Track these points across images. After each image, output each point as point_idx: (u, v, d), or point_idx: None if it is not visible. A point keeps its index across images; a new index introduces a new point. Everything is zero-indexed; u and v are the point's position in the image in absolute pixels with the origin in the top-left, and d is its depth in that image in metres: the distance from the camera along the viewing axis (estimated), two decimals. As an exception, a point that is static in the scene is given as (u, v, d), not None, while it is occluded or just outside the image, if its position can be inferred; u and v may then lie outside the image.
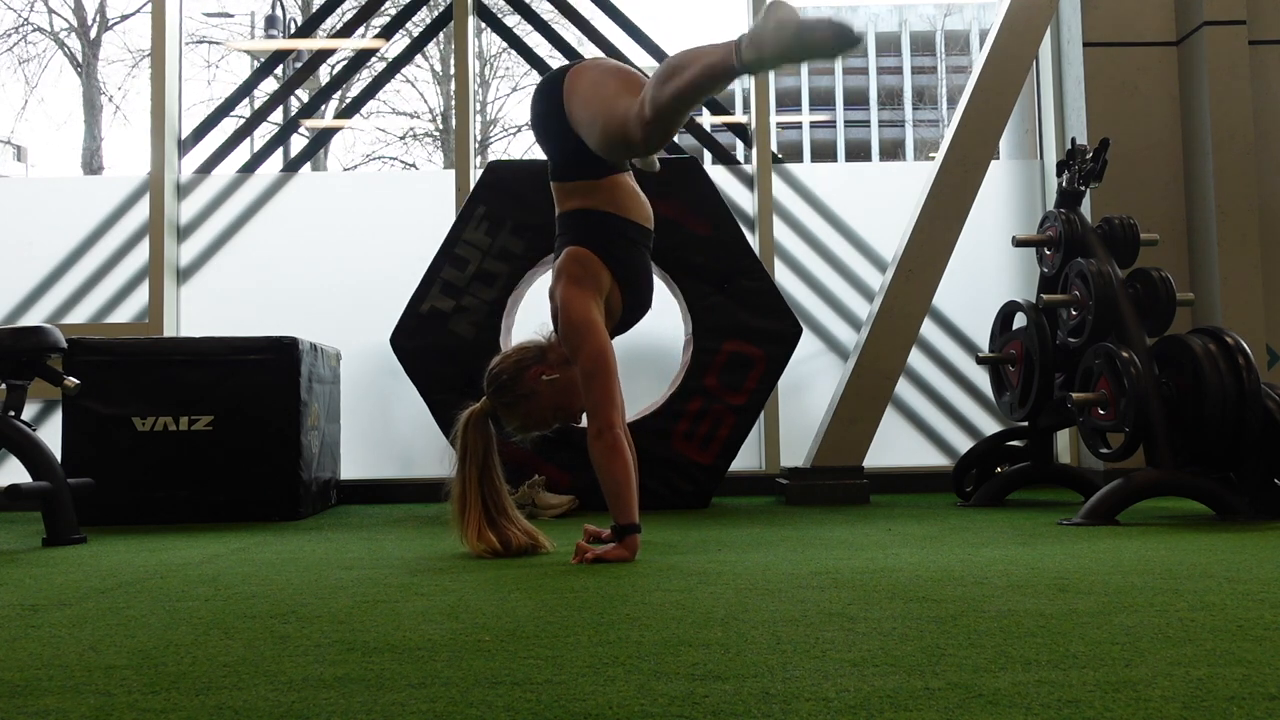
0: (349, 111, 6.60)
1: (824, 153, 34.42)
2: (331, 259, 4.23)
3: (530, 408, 2.20)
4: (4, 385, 2.69)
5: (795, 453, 3.99)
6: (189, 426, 3.18)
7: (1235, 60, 3.96)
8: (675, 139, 4.71)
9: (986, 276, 4.27)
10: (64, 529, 2.59)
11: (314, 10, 4.67)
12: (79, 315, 4.15)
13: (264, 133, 4.83)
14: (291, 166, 4.96)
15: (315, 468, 3.41)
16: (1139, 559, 1.97)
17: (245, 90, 4.57)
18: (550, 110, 2.21)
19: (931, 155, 4.51)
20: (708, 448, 3.42)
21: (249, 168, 4.30)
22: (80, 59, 12.34)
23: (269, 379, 3.22)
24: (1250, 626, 1.31)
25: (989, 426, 4.16)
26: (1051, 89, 4.31)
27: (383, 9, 4.60)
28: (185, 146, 4.26)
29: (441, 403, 3.43)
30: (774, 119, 4.38)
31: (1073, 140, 3.44)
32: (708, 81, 1.87)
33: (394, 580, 1.85)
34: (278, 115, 5.87)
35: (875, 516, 3.01)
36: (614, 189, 2.26)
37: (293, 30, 10.86)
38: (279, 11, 11.70)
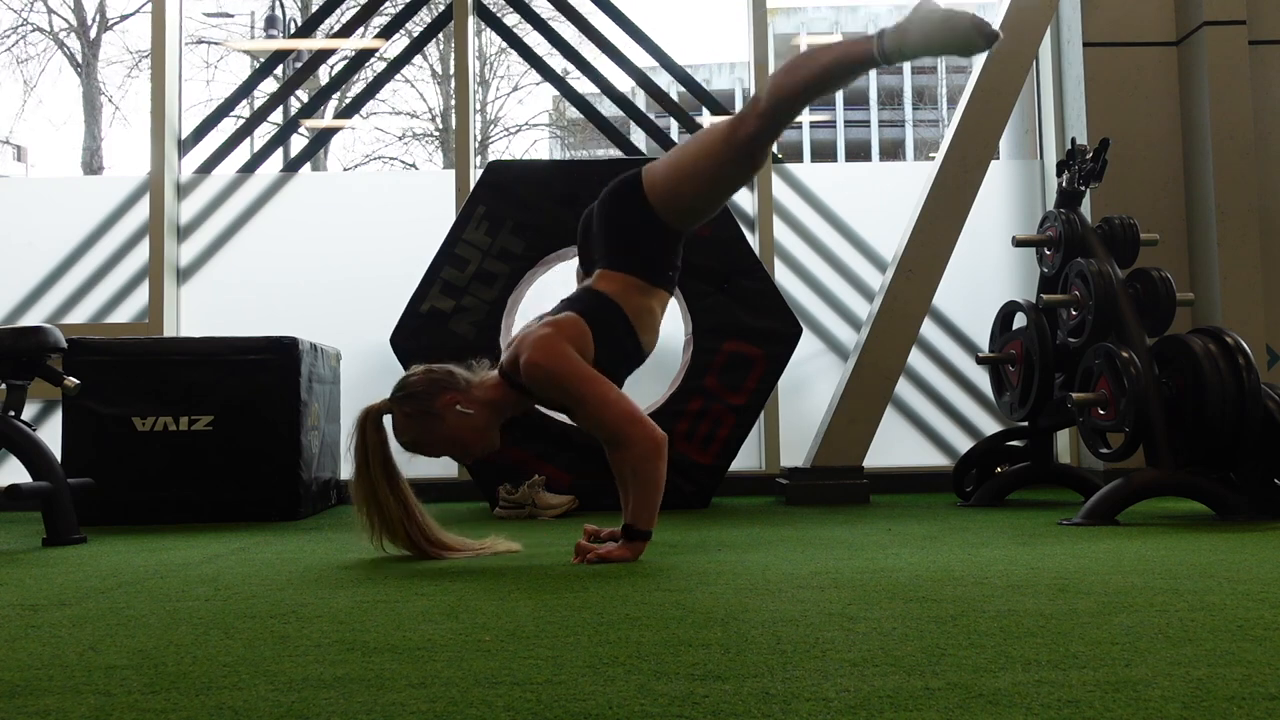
0: (349, 111, 6.61)
1: (824, 153, 34.41)
2: (331, 259, 4.23)
3: (429, 428, 2.10)
4: (4, 385, 2.69)
5: (795, 453, 3.99)
6: (189, 426, 3.18)
7: (1235, 60, 3.96)
8: (675, 139, 4.72)
9: (986, 276, 4.27)
10: (64, 529, 2.59)
11: (314, 10, 4.67)
12: (79, 315, 4.15)
13: (264, 133, 4.83)
14: (291, 166, 4.96)
15: (315, 468, 3.41)
16: (1139, 559, 1.97)
17: (245, 90, 4.57)
18: (627, 204, 2.18)
19: (931, 155, 4.51)
20: (708, 448, 3.42)
21: (249, 168, 4.30)
22: (80, 59, 12.34)
23: (269, 379, 3.22)
24: (1250, 626, 1.31)
25: (989, 426, 4.16)
26: (1051, 89, 4.31)
27: (382, 9, 4.60)
28: (185, 146, 4.26)
29: (441, 403, 3.43)
30: (774, 119, 4.34)
31: (1073, 140, 3.44)
32: (843, 70, 1.91)
33: (394, 580, 1.85)
34: (278, 115, 5.87)
35: (875, 516, 3.00)
36: (651, 306, 2.23)
37: (293, 30, 10.87)
38: (279, 11, 11.71)
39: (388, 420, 2.13)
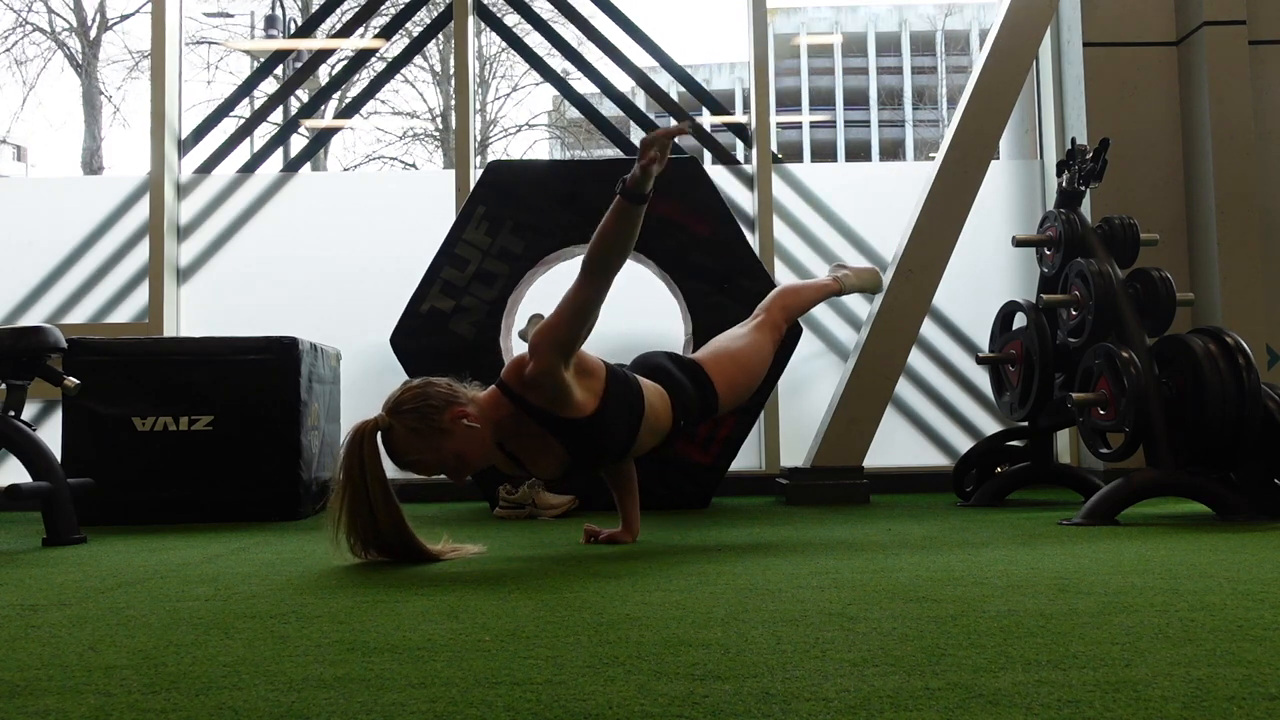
0: (349, 112, 6.61)
1: (824, 153, 34.43)
2: (332, 259, 4.23)
3: (436, 444, 2.03)
4: (4, 385, 2.69)
5: (795, 453, 3.99)
6: (189, 426, 3.18)
7: (1235, 60, 3.96)
8: (675, 139, 4.71)
9: (986, 276, 4.27)
10: (64, 529, 2.59)
11: (314, 10, 4.67)
12: (79, 315, 4.15)
13: (264, 133, 4.83)
14: (291, 166, 4.96)
15: (315, 468, 3.41)
16: (1139, 559, 1.97)
17: (245, 90, 4.57)
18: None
19: (931, 155, 4.51)
20: (708, 448, 3.42)
21: (249, 168, 4.30)
22: (80, 59, 12.34)
23: (269, 379, 3.22)
24: (1250, 626, 1.31)
25: (989, 426, 4.16)
26: (1051, 89, 4.31)
27: (382, 9, 4.60)
28: (185, 146, 4.26)
29: (441, 403, 3.43)
30: (774, 119, 4.38)
31: (1073, 140, 3.44)
32: (821, 299, 2.78)
33: (394, 580, 1.85)
34: (277, 115, 5.87)
35: (875, 516, 3.00)
36: (657, 426, 2.30)
37: (293, 30, 10.86)
38: (279, 11, 11.71)
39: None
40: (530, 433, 2.13)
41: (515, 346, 3.70)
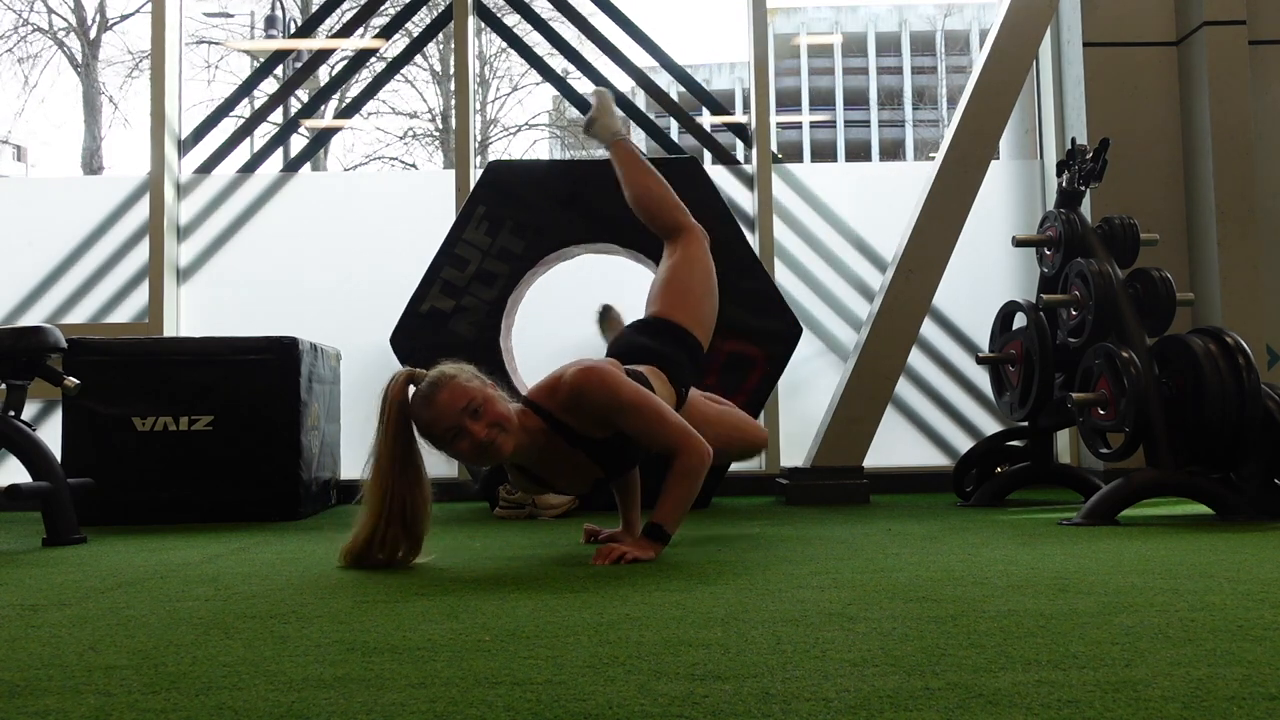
0: (349, 112, 6.61)
1: (824, 153, 34.41)
2: (331, 259, 4.23)
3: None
4: (4, 385, 2.69)
5: (795, 453, 3.99)
6: (189, 426, 3.18)
7: (1235, 60, 3.96)
8: (675, 139, 4.72)
9: (986, 276, 4.27)
10: (64, 529, 2.59)
11: (314, 10, 4.67)
12: (79, 315, 4.15)
13: (264, 133, 4.83)
14: (291, 167, 4.96)
15: (315, 468, 3.41)
16: (1139, 559, 1.97)
17: (245, 90, 4.57)
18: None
19: (931, 155, 4.51)
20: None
21: (249, 168, 4.30)
22: (80, 59, 12.34)
23: (269, 379, 3.22)
24: (1250, 626, 1.31)
25: (989, 426, 4.16)
26: (1051, 89, 4.31)
27: (382, 9, 4.60)
28: (185, 146, 4.26)
29: (441, 403, 3.43)
30: (774, 119, 4.38)
31: (1073, 140, 3.44)
32: (646, 162, 2.79)
33: (394, 580, 1.85)
34: (277, 115, 5.87)
35: (875, 516, 3.00)
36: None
37: (293, 30, 10.87)
38: (279, 11, 11.71)
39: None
40: (557, 451, 2.10)
41: (515, 346, 3.70)
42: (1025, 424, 3.44)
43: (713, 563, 2.02)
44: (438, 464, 4.12)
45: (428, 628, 1.39)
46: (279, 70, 5.50)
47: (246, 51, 12.39)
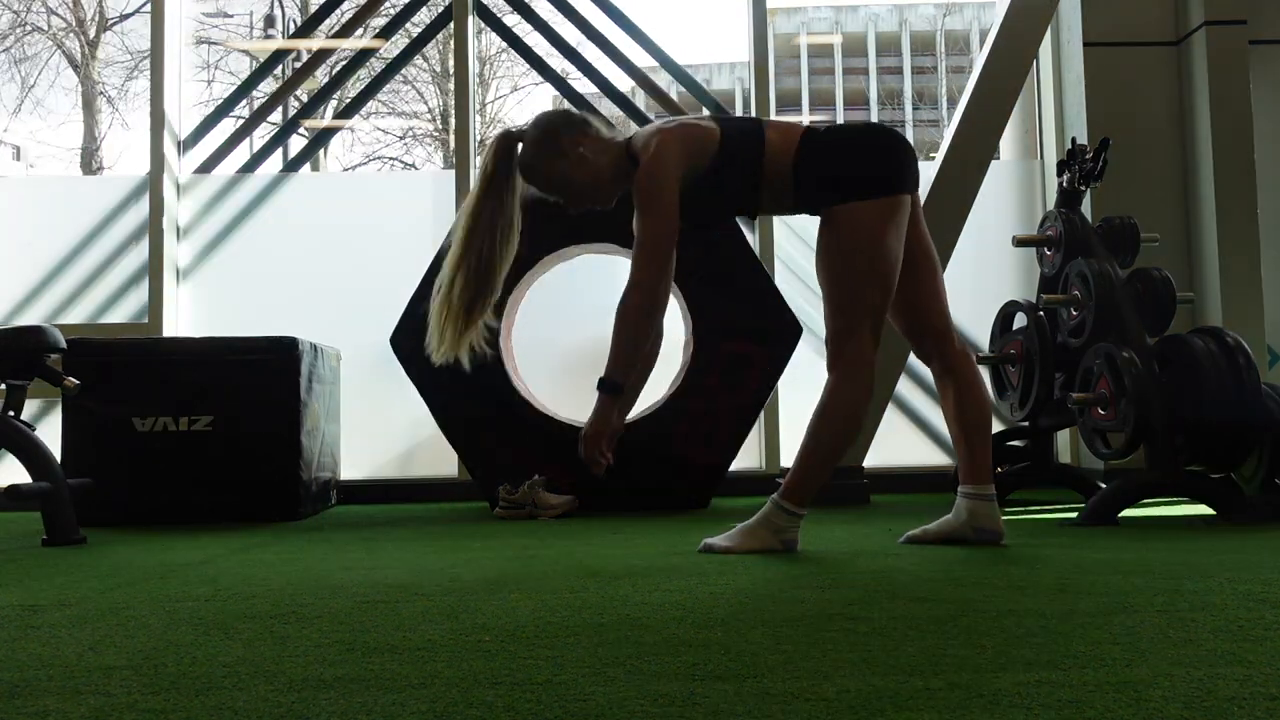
0: (348, 112, 6.61)
1: (824, 153, 34.31)
2: (331, 259, 4.23)
3: (550, 162, 2.17)
4: (4, 385, 2.69)
5: (795, 453, 3.98)
6: (189, 426, 3.18)
7: (1235, 60, 3.96)
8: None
9: (986, 276, 4.26)
10: (64, 529, 2.59)
11: (314, 10, 4.67)
12: (78, 315, 4.15)
13: (263, 133, 4.83)
14: (291, 166, 4.96)
15: (315, 468, 3.41)
16: (1139, 559, 1.97)
17: (245, 90, 4.57)
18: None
19: (931, 155, 4.51)
20: (708, 448, 3.42)
21: (248, 168, 4.30)
22: (79, 59, 12.34)
23: (269, 379, 3.22)
24: (1250, 627, 1.31)
25: (989, 426, 4.15)
26: (1051, 89, 4.30)
27: (382, 9, 4.60)
28: (185, 146, 4.26)
29: (441, 403, 3.43)
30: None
31: (1073, 140, 3.44)
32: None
33: (394, 580, 1.85)
34: (277, 115, 5.87)
35: (875, 516, 3.00)
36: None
37: (292, 30, 10.87)
38: (279, 11, 11.71)
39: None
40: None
41: (515, 346, 3.70)
42: (1025, 424, 3.44)
43: (713, 563, 2.02)
44: (438, 464, 4.14)
45: (428, 628, 1.39)
46: (279, 70, 5.49)
47: (246, 51, 12.39)
